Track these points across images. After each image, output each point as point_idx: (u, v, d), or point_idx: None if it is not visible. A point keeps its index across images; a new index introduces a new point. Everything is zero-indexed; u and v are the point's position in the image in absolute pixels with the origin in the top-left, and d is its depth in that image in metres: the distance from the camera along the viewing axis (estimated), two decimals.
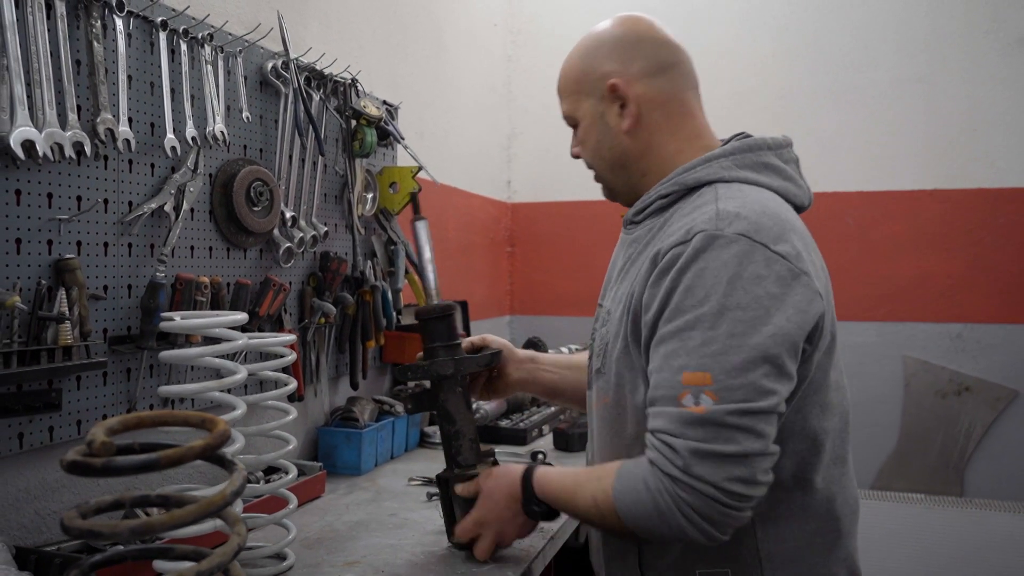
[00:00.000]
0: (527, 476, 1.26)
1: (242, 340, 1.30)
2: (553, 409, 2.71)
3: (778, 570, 1.12)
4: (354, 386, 2.23)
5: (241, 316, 1.31)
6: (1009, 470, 3.03)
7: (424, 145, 2.77)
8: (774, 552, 1.12)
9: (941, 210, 3.12)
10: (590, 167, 1.31)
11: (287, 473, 1.45)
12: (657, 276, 1.09)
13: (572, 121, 1.29)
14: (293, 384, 1.43)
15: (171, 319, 1.29)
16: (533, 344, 2.35)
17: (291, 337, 1.44)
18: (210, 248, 1.72)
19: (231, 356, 1.65)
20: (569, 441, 2.33)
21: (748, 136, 1.23)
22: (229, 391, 1.29)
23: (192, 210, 1.65)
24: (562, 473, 1.25)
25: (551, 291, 3.68)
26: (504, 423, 2.50)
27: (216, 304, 1.67)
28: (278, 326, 1.91)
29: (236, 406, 1.28)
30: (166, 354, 1.28)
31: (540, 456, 2.19)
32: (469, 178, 3.24)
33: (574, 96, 1.27)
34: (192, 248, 1.66)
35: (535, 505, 1.25)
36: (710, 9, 3.41)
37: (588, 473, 1.19)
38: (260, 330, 1.82)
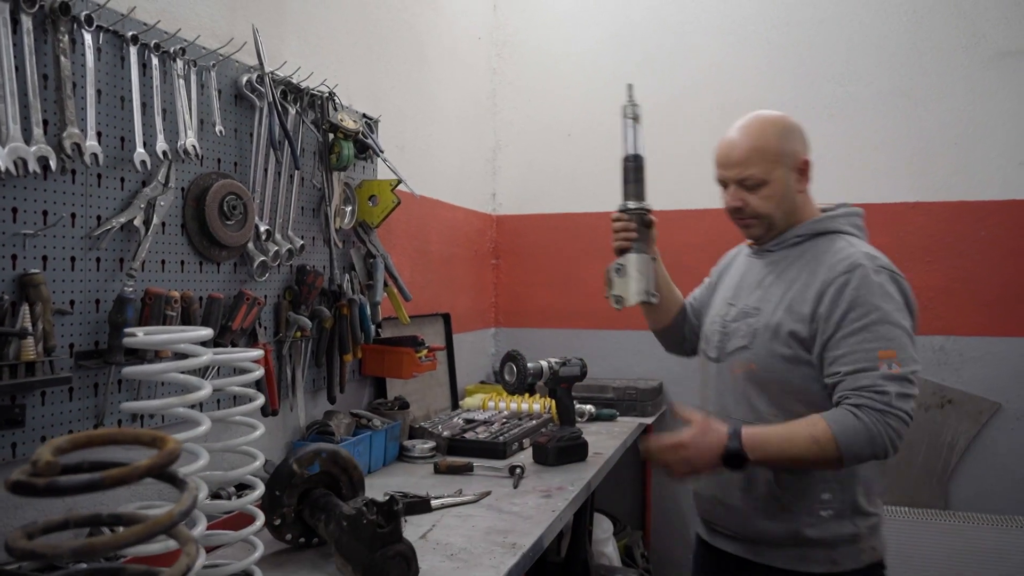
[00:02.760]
0: (735, 430, 1.60)
1: (207, 356, 1.29)
2: (534, 423, 2.70)
3: (863, 487, 1.65)
4: (331, 400, 2.22)
5: (206, 332, 1.30)
6: (993, 483, 3.02)
7: (405, 158, 2.77)
8: (860, 475, 1.65)
9: (924, 222, 3.13)
10: (756, 216, 1.73)
11: (255, 489, 1.43)
12: (835, 293, 1.61)
13: (755, 182, 1.70)
14: (260, 400, 1.42)
15: (134, 335, 1.28)
16: (511, 358, 2.34)
17: (258, 352, 1.43)
18: (182, 262, 1.71)
19: (201, 371, 1.64)
20: (547, 455, 2.32)
21: (847, 205, 1.80)
22: (201, 407, 1.27)
23: (163, 224, 1.64)
24: (768, 427, 1.62)
25: (536, 303, 3.68)
26: (483, 436, 2.49)
27: (187, 318, 1.66)
28: (252, 340, 1.90)
29: (200, 422, 1.27)
30: (129, 370, 1.27)
31: (518, 470, 2.19)
32: (452, 191, 3.24)
33: (769, 165, 1.70)
34: (163, 262, 1.66)
35: (733, 454, 1.58)
36: (696, 22, 3.42)
37: (792, 424, 1.59)
38: (234, 344, 1.81)
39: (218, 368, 1.75)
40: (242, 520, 1.49)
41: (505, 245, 3.73)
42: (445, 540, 1.67)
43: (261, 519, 1.42)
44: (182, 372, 1.29)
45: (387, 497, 1.50)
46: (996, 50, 3.05)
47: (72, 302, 1.44)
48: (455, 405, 3.05)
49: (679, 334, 2.09)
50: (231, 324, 1.78)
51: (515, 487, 2.09)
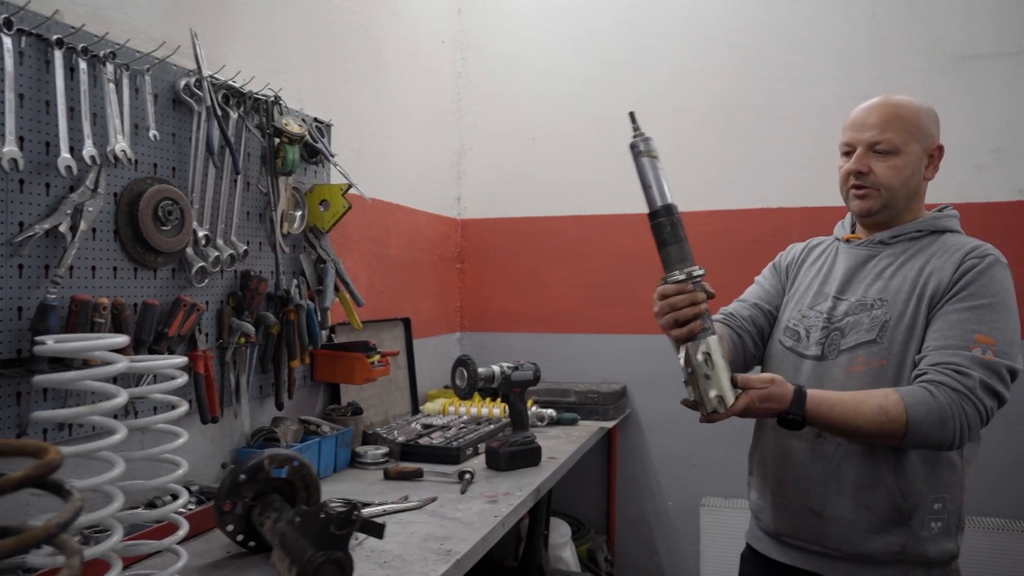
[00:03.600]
0: (800, 390, 1.52)
1: (123, 363, 1.27)
2: (492, 427, 2.69)
3: (966, 496, 1.60)
4: (279, 406, 2.20)
5: (120, 339, 1.28)
6: None
7: (362, 162, 2.75)
8: (967, 485, 1.60)
9: None
10: (878, 185, 1.65)
11: (177, 498, 1.41)
12: (962, 272, 1.56)
13: (888, 147, 1.63)
14: (183, 408, 1.41)
15: (43, 342, 1.26)
16: (462, 363, 2.33)
17: (180, 360, 1.41)
18: (115, 268, 1.69)
19: (136, 379, 1.62)
20: (499, 460, 2.31)
21: (949, 206, 1.76)
22: (131, 412, 1.26)
23: (93, 230, 1.63)
24: (837, 393, 1.54)
25: (501, 307, 3.67)
26: (438, 441, 2.48)
27: (119, 325, 1.64)
28: (192, 347, 1.88)
29: (116, 430, 1.25)
30: (39, 378, 1.25)
31: (467, 476, 2.17)
32: (415, 195, 3.23)
33: (908, 135, 1.64)
34: (94, 269, 1.64)
35: (794, 415, 1.50)
36: (660, 26, 3.42)
37: (864, 392, 1.53)
38: (171, 351, 1.79)
39: (154, 376, 1.73)
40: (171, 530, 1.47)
41: (470, 249, 3.72)
42: (381, 547, 1.65)
43: (184, 528, 1.40)
44: (98, 380, 1.27)
45: (349, 505, 1.47)
46: (954, 54, 3.07)
47: None
48: (415, 410, 3.03)
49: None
50: (167, 331, 1.76)
51: (462, 493, 2.08)
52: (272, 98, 2.09)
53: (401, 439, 2.48)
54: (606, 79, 3.49)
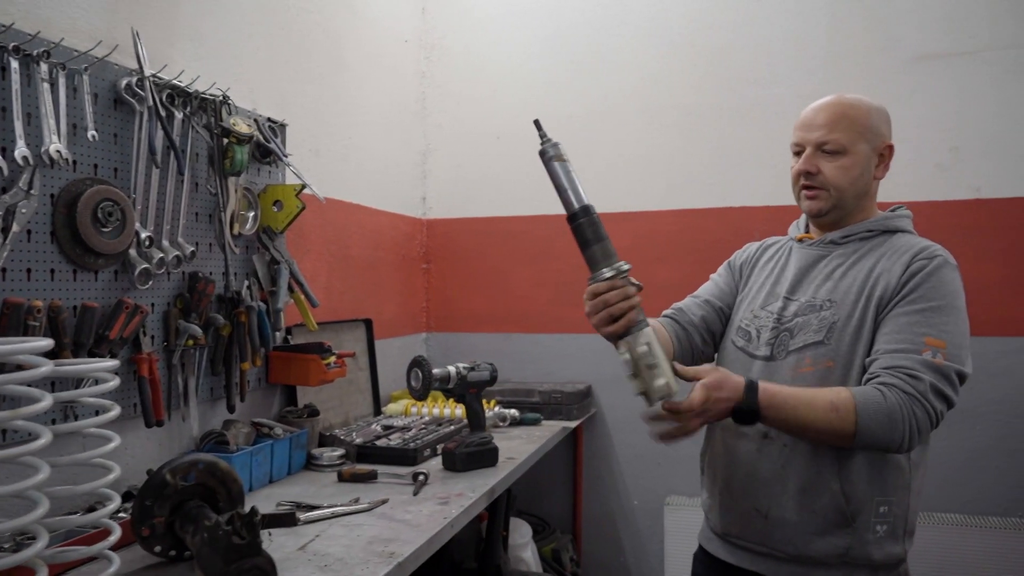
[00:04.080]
0: (751, 382, 1.52)
1: (47, 367, 1.25)
2: (452, 428, 2.68)
3: (915, 501, 1.61)
4: (231, 409, 2.18)
5: (45, 343, 1.26)
6: None
7: (321, 163, 2.74)
8: (915, 488, 1.60)
9: None
10: (826, 186, 1.66)
11: (111, 502, 1.39)
12: (911, 274, 1.56)
13: (836, 148, 1.63)
14: (114, 411, 1.39)
15: None
16: (416, 363, 2.31)
17: (111, 363, 1.39)
18: (52, 271, 1.66)
19: (75, 383, 1.60)
20: (455, 461, 2.30)
21: (902, 206, 1.76)
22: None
23: (29, 232, 1.60)
24: (789, 387, 1.54)
25: (467, 308, 3.66)
26: (395, 442, 2.46)
27: (55, 328, 1.62)
28: (136, 350, 1.86)
29: (40, 435, 1.24)
30: None
31: (421, 477, 2.16)
32: (377, 195, 3.21)
33: (855, 135, 1.64)
34: (29, 271, 1.61)
35: (747, 407, 1.49)
36: (617, 27, 3.42)
37: (816, 389, 1.53)
38: (112, 354, 1.77)
39: (95, 380, 1.71)
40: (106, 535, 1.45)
41: (436, 249, 3.70)
42: (324, 551, 1.64)
43: (117, 533, 1.38)
44: (20, 384, 1.25)
45: (249, 509, 1.46)
46: (912, 53, 3.09)
47: None
48: (377, 411, 3.02)
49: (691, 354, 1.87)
50: (107, 333, 1.74)
51: (415, 494, 2.06)
52: (220, 98, 2.07)
53: (359, 441, 2.47)
54: (572, 79, 3.48)
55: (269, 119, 2.36)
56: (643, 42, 3.41)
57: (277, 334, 2.32)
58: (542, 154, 1.50)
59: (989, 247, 2.96)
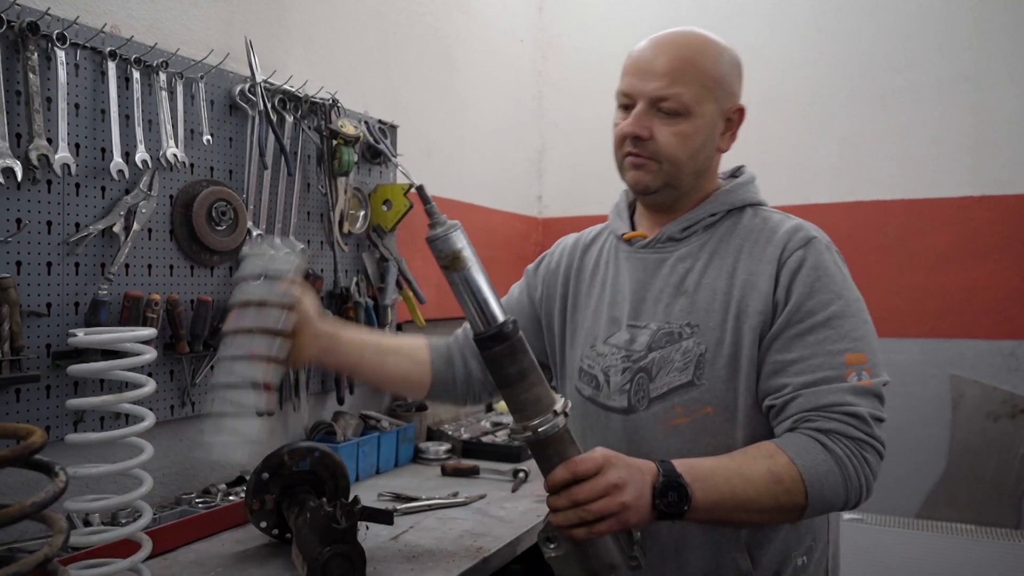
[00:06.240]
0: (663, 461, 1.11)
1: (151, 354, 1.34)
2: None
3: (834, 546, 1.41)
4: (340, 401, 2.26)
5: (148, 331, 1.35)
6: None
7: (432, 163, 2.79)
8: (832, 529, 1.36)
9: (990, 218, 2.89)
10: (658, 156, 1.28)
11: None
12: (790, 275, 1.21)
13: (676, 108, 1.26)
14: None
15: (75, 334, 1.35)
16: None
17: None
18: (171, 266, 1.78)
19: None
20: None
21: (742, 166, 1.41)
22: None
23: (149, 230, 1.72)
24: (705, 458, 1.15)
25: None
26: (500, 439, 2.47)
27: (173, 321, 1.73)
28: None
29: (144, 417, 1.32)
30: (73, 368, 1.33)
31: (521, 474, 2.15)
32: (491, 194, 3.24)
33: (701, 91, 1.27)
34: (150, 267, 1.73)
35: (672, 491, 1.06)
36: (740, 15, 3.29)
37: (742, 453, 1.16)
38: None
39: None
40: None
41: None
42: (415, 542, 1.67)
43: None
44: (125, 370, 1.34)
45: (352, 498, 1.51)
46: None
47: (49, 305, 1.53)
48: (489, 408, 3.04)
49: (449, 387, 1.53)
50: (222, 326, 1.84)
51: (513, 491, 2.07)
52: (329, 101, 2.15)
53: (465, 436, 2.50)
54: None
55: (380, 121, 2.43)
56: (763, 27, 3.25)
57: (386, 329, 2.38)
58: (430, 240, 1.12)
59: None
